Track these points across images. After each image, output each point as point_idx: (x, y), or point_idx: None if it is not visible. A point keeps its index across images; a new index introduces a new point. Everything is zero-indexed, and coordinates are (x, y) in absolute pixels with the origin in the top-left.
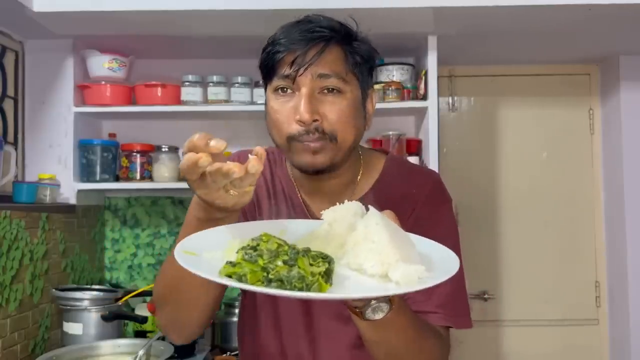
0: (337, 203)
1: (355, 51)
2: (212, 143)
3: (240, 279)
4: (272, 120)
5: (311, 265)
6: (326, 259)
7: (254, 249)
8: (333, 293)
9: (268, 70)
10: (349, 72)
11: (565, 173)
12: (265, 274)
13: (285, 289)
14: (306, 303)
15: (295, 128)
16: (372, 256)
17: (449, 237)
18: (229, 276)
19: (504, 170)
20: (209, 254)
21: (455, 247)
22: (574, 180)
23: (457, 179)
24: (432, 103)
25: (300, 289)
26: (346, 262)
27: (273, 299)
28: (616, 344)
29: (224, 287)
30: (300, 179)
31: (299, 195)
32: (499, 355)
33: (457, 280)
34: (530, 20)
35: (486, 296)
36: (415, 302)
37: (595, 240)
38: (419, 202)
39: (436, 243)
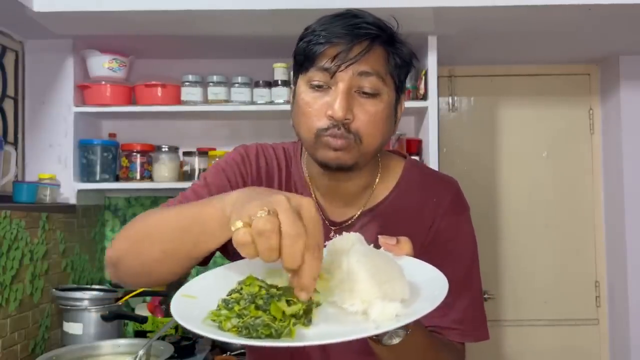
0: (353, 206)
1: (397, 53)
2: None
3: (219, 326)
4: (301, 112)
5: (289, 305)
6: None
7: (239, 292)
8: (308, 335)
9: (305, 60)
10: (388, 74)
11: (565, 173)
12: (239, 320)
13: (252, 337)
14: None
15: (324, 122)
16: (352, 294)
17: (468, 249)
18: (214, 320)
19: (504, 170)
20: (208, 297)
21: (473, 258)
22: (574, 180)
23: (457, 179)
24: (432, 103)
25: (269, 335)
26: (333, 300)
27: None
28: (616, 344)
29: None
30: (317, 178)
31: (313, 196)
32: (499, 355)
33: (474, 292)
34: (531, 20)
35: (486, 296)
36: (432, 318)
37: (595, 240)
38: (439, 212)
39: (430, 266)
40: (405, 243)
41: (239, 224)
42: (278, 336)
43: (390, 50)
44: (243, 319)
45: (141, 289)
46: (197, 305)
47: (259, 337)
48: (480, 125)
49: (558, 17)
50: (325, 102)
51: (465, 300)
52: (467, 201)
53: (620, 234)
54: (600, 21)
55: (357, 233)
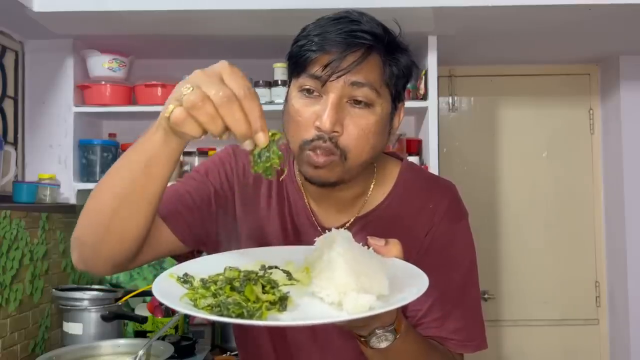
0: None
1: (394, 63)
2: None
3: (194, 305)
4: (291, 120)
5: (265, 292)
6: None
7: (221, 275)
8: (280, 319)
9: (297, 65)
10: (384, 85)
11: (565, 173)
12: (214, 299)
13: (222, 314)
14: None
15: (311, 133)
16: (329, 284)
17: (465, 257)
18: (190, 299)
19: (504, 170)
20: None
21: (471, 267)
22: (574, 180)
23: (457, 179)
24: (432, 103)
25: (239, 315)
26: (311, 290)
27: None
28: (616, 344)
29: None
30: (309, 184)
31: (306, 201)
32: (499, 355)
33: (472, 301)
34: (530, 20)
35: (486, 296)
36: (429, 328)
37: (595, 240)
38: (435, 220)
39: (416, 269)
40: (394, 245)
41: (171, 107)
42: (250, 317)
43: (387, 59)
44: (217, 298)
45: (141, 289)
46: (178, 285)
47: (229, 316)
48: (480, 125)
49: (558, 17)
50: (315, 112)
51: (462, 311)
52: (465, 207)
53: (621, 234)
54: (600, 21)
55: (346, 230)
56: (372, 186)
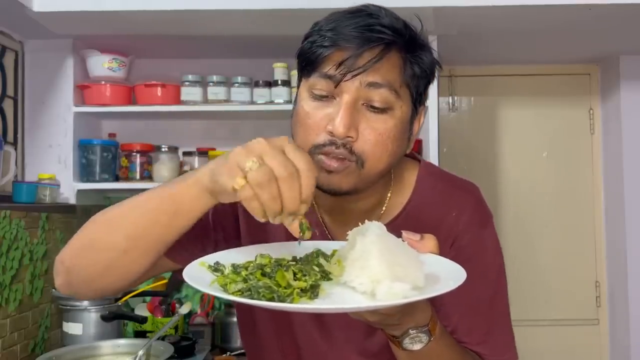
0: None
1: (416, 62)
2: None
3: (224, 289)
4: (300, 123)
5: (297, 280)
6: (318, 275)
7: (252, 262)
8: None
9: (307, 63)
10: (404, 85)
11: (565, 173)
12: (244, 284)
13: (253, 297)
14: (325, 334)
15: (323, 138)
16: (362, 273)
17: (494, 264)
18: (220, 284)
19: (504, 170)
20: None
21: (499, 273)
22: (574, 180)
23: None
24: (432, 103)
25: (270, 299)
26: (344, 280)
27: (289, 326)
28: (616, 344)
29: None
30: (321, 195)
31: (318, 214)
32: None
33: (501, 311)
34: (530, 20)
35: None
36: (460, 343)
37: (595, 240)
38: (459, 227)
39: (452, 263)
40: (429, 240)
41: (241, 181)
42: (280, 302)
43: (408, 57)
44: (248, 283)
45: (141, 289)
46: (209, 273)
47: (259, 300)
48: (480, 125)
49: (558, 17)
50: (327, 115)
51: (492, 324)
52: (489, 209)
53: (621, 234)
54: (600, 21)
55: (379, 222)
56: (389, 194)
